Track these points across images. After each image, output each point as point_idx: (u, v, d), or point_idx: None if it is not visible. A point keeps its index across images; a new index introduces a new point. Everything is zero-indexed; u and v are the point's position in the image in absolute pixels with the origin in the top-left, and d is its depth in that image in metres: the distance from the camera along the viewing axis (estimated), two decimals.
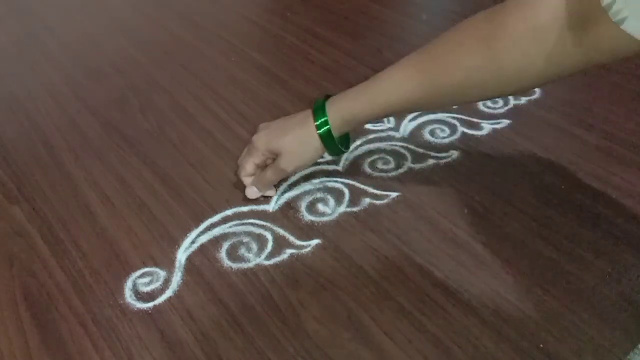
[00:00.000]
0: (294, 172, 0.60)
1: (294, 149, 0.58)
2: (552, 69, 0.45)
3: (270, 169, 0.59)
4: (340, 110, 0.55)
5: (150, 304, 0.51)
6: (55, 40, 0.95)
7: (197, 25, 0.98)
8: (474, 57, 0.47)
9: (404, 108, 0.55)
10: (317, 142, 0.57)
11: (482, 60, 0.47)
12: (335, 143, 0.57)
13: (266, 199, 0.62)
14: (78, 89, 0.82)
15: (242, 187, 0.62)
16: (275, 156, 0.59)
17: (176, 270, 0.54)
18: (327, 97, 0.57)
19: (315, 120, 0.56)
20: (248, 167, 0.60)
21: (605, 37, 0.40)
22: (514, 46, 0.45)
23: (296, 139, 0.58)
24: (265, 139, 0.59)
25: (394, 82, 0.53)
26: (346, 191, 0.62)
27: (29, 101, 0.80)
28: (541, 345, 0.46)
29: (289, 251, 0.56)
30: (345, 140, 0.61)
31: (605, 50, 0.41)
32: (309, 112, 0.57)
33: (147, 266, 0.55)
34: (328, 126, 0.56)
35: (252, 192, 0.61)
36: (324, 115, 0.56)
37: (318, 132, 0.56)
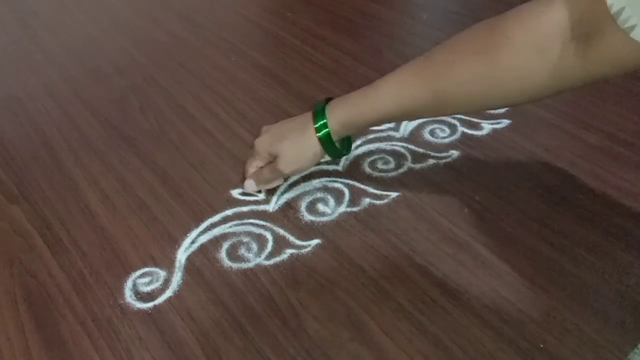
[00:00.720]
0: (292, 175, 0.60)
1: (293, 152, 0.58)
2: (554, 81, 0.44)
3: (269, 167, 0.60)
4: (340, 114, 0.55)
5: (150, 304, 0.51)
6: (55, 40, 0.95)
7: (197, 25, 0.98)
8: (475, 67, 0.47)
9: (403, 115, 0.55)
10: (316, 146, 0.57)
11: (482, 70, 0.46)
12: (334, 146, 0.57)
13: (266, 200, 0.62)
14: (78, 89, 0.82)
15: (242, 187, 0.63)
16: (275, 158, 0.59)
17: (176, 270, 0.54)
18: (328, 100, 0.57)
19: (315, 124, 0.56)
20: (251, 170, 0.61)
21: (612, 47, 0.39)
22: (515, 57, 0.44)
23: (295, 142, 0.58)
24: (266, 142, 0.59)
25: (394, 89, 0.52)
26: (346, 191, 0.62)
27: (29, 101, 0.80)
28: (541, 345, 0.47)
29: (289, 251, 0.56)
30: (347, 143, 0.61)
31: (611, 60, 0.40)
32: (309, 115, 0.57)
33: (147, 266, 0.55)
34: (327, 129, 0.56)
35: (249, 185, 0.61)
36: (324, 118, 0.55)
37: (317, 135, 0.56)
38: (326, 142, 0.56)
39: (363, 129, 0.58)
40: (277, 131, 0.60)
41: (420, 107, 0.52)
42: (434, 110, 0.54)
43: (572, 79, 0.43)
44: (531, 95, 0.47)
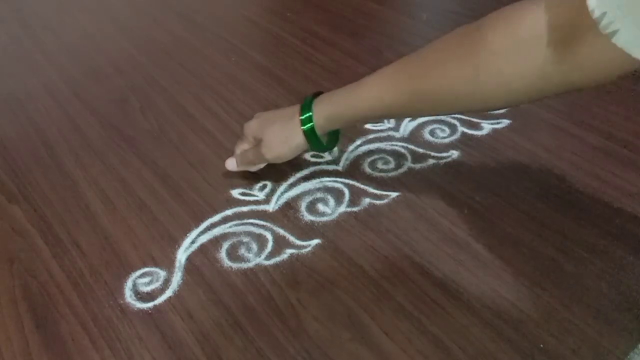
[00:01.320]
0: (273, 161, 0.61)
1: (276, 139, 0.59)
2: (534, 86, 0.44)
3: (252, 150, 0.61)
4: (325, 109, 0.56)
5: (150, 304, 0.51)
6: (55, 40, 0.95)
7: (197, 25, 0.98)
8: (456, 70, 0.47)
9: (385, 114, 0.56)
10: (300, 137, 0.58)
11: (462, 74, 0.46)
12: (317, 140, 0.58)
13: (266, 200, 0.62)
14: (78, 89, 0.82)
15: (242, 188, 0.63)
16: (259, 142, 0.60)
17: (176, 270, 0.54)
18: (318, 94, 0.58)
19: (300, 116, 0.57)
20: (237, 152, 0.63)
21: (593, 52, 0.39)
22: (494, 61, 0.44)
23: (280, 130, 0.59)
24: (253, 127, 0.61)
25: (378, 87, 0.53)
26: (346, 191, 0.62)
27: (29, 101, 0.80)
28: (541, 345, 0.46)
29: (289, 251, 0.56)
30: (334, 137, 0.62)
31: (592, 66, 0.40)
32: (297, 107, 0.58)
33: (147, 266, 0.55)
34: (312, 123, 0.57)
35: (231, 164, 0.63)
36: (309, 112, 0.57)
37: (302, 127, 0.57)
38: (310, 135, 0.57)
39: (348, 125, 0.59)
40: (266, 118, 0.61)
41: (402, 106, 0.52)
42: (416, 110, 0.55)
43: (552, 85, 0.43)
44: (511, 100, 0.48)
